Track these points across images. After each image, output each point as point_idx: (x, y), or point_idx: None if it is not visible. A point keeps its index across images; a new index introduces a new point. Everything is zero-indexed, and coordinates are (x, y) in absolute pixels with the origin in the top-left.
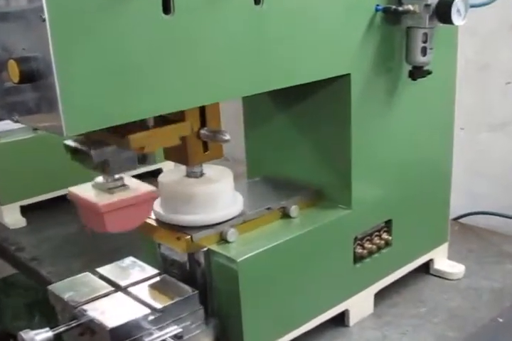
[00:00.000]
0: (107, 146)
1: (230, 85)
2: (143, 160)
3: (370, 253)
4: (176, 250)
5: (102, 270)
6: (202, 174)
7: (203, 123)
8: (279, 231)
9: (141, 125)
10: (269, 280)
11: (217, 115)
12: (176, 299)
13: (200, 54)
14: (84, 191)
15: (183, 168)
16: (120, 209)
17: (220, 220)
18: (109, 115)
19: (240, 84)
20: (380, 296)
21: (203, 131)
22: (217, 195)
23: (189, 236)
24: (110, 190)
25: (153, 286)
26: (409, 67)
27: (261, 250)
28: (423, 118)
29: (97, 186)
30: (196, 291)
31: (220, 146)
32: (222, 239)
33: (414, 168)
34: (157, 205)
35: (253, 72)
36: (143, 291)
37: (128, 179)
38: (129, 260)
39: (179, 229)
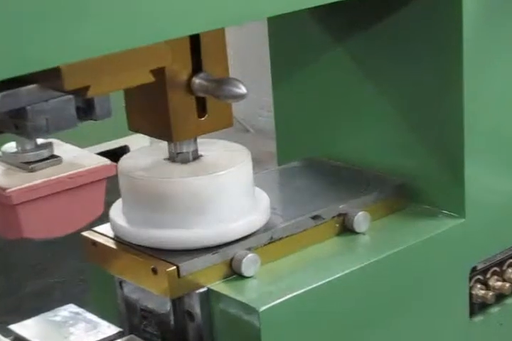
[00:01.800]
0: (23, 85)
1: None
2: (88, 112)
3: (500, 297)
4: (151, 292)
5: (20, 328)
6: (197, 156)
7: (198, 67)
8: (335, 257)
9: None
10: None
11: (223, 55)
12: None
13: None
14: None
15: (162, 145)
16: (47, 199)
17: (229, 239)
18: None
19: None
20: None
21: (197, 80)
22: (224, 193)
23: (174, 267)
24: (29, 166)
25: None
26: None
27: (300, 292)
28: None
29: (5, 159)
30: None
31: (227, 107)
32: (234, 273)
33: None
34: (116, 212)
35: None
36: None
37: (60, 145)
38: (68, 310)
39: (156, 255)
